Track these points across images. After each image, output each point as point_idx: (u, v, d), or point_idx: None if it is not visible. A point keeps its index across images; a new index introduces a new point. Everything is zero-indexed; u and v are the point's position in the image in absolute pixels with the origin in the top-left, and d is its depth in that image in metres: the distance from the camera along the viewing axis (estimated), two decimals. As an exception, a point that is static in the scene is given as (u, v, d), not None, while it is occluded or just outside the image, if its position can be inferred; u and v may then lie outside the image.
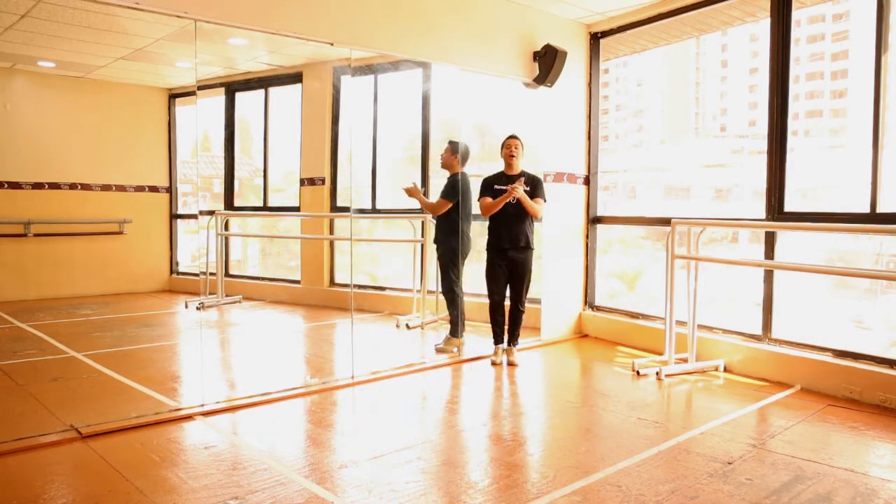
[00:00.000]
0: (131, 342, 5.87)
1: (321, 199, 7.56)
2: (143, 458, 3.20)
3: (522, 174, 5.07)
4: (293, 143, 7.94)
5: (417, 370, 5.02)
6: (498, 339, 5.27)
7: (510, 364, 5.19)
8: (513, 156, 5.09)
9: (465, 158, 5.55)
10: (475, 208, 5.45)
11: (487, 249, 5.20)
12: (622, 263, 7.08)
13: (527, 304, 5.27)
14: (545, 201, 5.17)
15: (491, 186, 5.10)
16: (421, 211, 6.87)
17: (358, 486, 2.92)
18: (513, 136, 5.16)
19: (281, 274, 8.62)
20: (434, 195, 7.16)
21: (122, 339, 5.98)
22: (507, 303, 5.25)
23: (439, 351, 5.50)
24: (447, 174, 5.59)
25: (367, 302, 7.30)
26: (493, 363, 5.19)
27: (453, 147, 5.51)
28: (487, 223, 5.19)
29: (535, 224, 6.16)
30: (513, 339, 5.29)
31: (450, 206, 5.44)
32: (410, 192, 5.57)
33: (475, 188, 5.46)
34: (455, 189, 5.44)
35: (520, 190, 4.88)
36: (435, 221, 5.69)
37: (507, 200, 4.97)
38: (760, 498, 2.83)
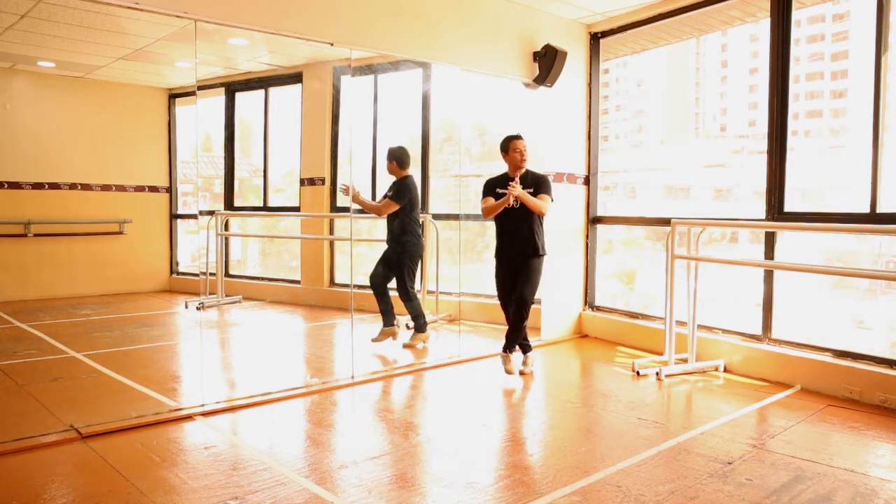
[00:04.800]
0: (131, 342, 5.86)
1: (321, 199, 7.56)
2: (143, 458, 3.20)
3: (526, 173, 4.71)
4: (293, 143, 7.94)
5: (417, 370, 5.02)
6: (524, 348, 4.97)
7: (522, 374, 4.88)
8: (524, 159, 4.67)
9: (404, 162, 5.52)
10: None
11: (495, 256, 4.86)
12: (622, 263, 7.08)
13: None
14: (552, 200, 4.75)
15: (493, 188, 4.74)
16: (422, 210, 6.87)
17: (358, 486, 2.92)
18: (520, 137, 4.71)
19: (281, 274, 8.62)
20: (435, 196, 7.13)
21: (122, 339, 5.98)
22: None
23: (406, 347, 5.58)
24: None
25: (367, 302, 7.26)
26: (508, 372, 4.77)
27: (390, 153, 5.50)
28: (495, 230, 4.87)
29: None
30: (523, 348, 4.98)
31: (396, 208, 5.40)
32: (348, 196, 5.35)
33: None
34: (401, 192, 5.40)
35: (517, 189, 4.49)
36: (387, 224, 5.60)
37: (513, 206, 4.59)
38: (760, 498, 2.83)
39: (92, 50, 6.93)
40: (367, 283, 5.72)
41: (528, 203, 4.57)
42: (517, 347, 4.90)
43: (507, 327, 4.88)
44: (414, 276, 5.59)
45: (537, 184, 4.70)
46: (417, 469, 3.14)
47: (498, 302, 4.98)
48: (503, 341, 4.88)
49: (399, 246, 5.51)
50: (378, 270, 5.62)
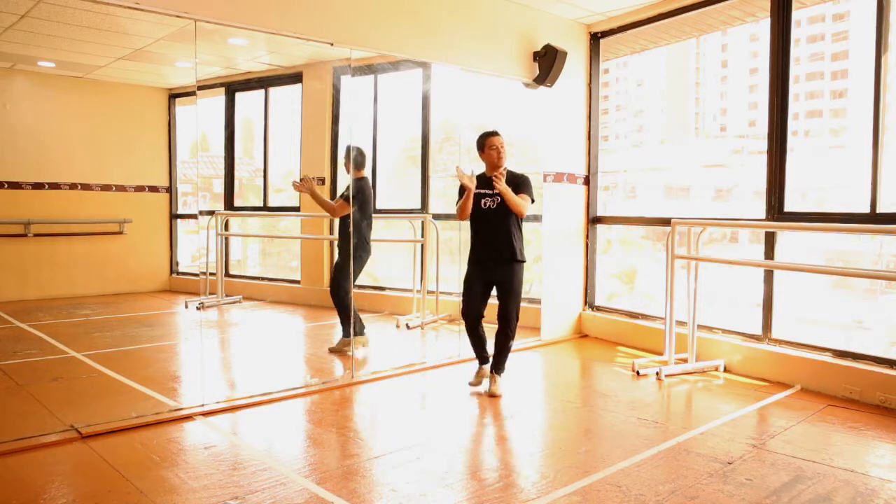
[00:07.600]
0: (131, 342, 5.86)
1: (321, 199, 7.55)
2: (143, 458, 3.20)
3: (504, 170, 4.31)
4: (293, 143, 7.93)
5: (417, 370, 5.01)
6: (482, 359, 4.55)
7: (491, 395, 4.35)
8: (501, 157, 4.32)
9: (360, 163, 5.36)
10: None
11: (468, 261, 4.46)
12: (622, 263, 7.08)
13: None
14: (532, 200, 4.39)
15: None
16: (422, 210, 6.87)
17: (358, 486, 2.92)
18: (496, 133, 4.38)
19: (281, 274, 8.61)
20: (435, 196, 7.13)
21: (122, 339, 5.98)
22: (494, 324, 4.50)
23: (331, 351, 5.44)
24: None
25: (368, 302, 7.30)
26: (471, 383, 4.52)
27: (348, 153, 5.35)
28: (470, 233, 4.50)
29: (536, 224, 6.17)
30: (497, 368, 4.45)
31: (349, 210, 5.24)
32: (302, 187, 5.20)
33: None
34: (356, 194, 5.25)
35: (501, 183, 4.13)
36: (338, 226, 5.43)
37: (490, 206, 4.30)
38: (760, 498, 2.83)
39: (92, 50, 6.93)
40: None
41: (508, 199, 4.19)
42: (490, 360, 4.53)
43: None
44: (349, 278, 5.34)
45: (517, 184, 4.31)
46: (417, 469, 3.14)
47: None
48: (481, 354, 4.56)
49: (343, 249, 5.36)
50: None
